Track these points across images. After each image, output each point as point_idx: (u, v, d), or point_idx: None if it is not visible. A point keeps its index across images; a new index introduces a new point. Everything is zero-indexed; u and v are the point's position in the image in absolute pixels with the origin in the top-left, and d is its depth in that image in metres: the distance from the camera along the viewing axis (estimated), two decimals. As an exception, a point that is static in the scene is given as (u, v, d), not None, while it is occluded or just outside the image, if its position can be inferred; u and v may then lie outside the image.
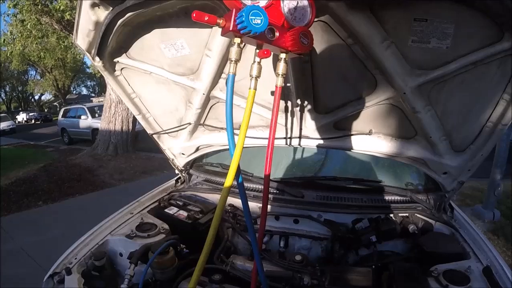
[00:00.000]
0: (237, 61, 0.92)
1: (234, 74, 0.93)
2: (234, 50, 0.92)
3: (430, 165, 1.73)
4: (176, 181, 2.47)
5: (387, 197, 1.96)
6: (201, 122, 1.89)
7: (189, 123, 1.88)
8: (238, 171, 0.90)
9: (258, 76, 0.95)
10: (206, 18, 0.88)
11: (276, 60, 1.06)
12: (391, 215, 1.84)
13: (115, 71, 1.68)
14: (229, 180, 0.86)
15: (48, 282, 1.49)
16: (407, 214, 1.85)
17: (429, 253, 1.55)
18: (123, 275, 1.42)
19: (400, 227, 1.77)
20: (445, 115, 1.49)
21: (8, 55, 12.62)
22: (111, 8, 1.24)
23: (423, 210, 1.88)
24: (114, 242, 1.71)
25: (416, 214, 1.85)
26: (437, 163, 1.70)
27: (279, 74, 1.00)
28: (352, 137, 1.70)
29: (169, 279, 1.51)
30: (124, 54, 1.59)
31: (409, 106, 1.45)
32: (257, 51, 0.95)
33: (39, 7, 8.57)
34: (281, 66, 1.00)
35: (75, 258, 1.60)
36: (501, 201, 5.27)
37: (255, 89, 0.94)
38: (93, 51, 1.48)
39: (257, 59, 0.95)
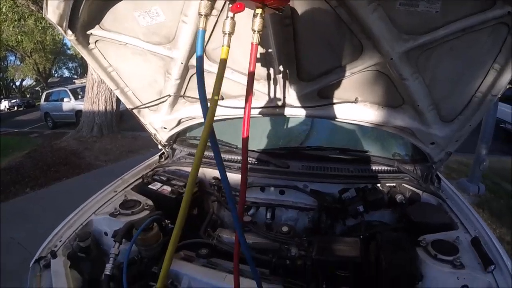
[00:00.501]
0: (207, 15, 0.86)
1: (205, 30, 0.86)
2: (203, 4, 0.86)
3: (417, 135, 1.71)
4: (160, 156, 2.43)
5: (374, 167, 1.95)
6: (181, 93, 1.83)
7: (169, 95, 1.81)
8: (213, 136, 0.85)
9: (231, 33, 0.89)
10: None
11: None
12: (378, 185, 1.83)
13: (89, 44, 1.61)
14: (202, 142, 0.80)
15: (34, 267, 1.47)
16: (394, 184, 1.84)
17: (416, 223, 1.54)
18: (109, 254, 1.39)
19: (388, 197, 1.77)
20: (433, 83, 1.46)
21: (-16, 42, 12.10)
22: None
23: (410, 180, 1.87)
24: (98, 222, 1.68)
25: (403, 184, 1.84)
26: (425, 133, 1.68)
27: (255, 31, 0.94)
28: (338, 105, 1.65)
29: (155, 255, 1.50)
30: (97, 25, 1.52)
31: (396, 72, 1.41)
32: (230, 6, 0.88)
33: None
34: (257, 23, 0.93)
35: (60, 241, 1.58)
36: (486, 176, 5.39)
37: (229, 46, 0.88)
38: (64, 24, 1.40)
39: (230, 14, 0.88)
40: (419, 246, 1.34)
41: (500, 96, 1.48)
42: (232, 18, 0.89)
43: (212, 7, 0.88)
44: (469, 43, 1.27)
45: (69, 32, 1.45)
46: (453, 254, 1.27)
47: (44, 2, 1.31)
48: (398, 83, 1.48)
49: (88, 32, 1.53)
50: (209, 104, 0.85)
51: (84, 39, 1.56)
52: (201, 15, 0.86)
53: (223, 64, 0.86)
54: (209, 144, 0.85)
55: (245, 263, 1.26)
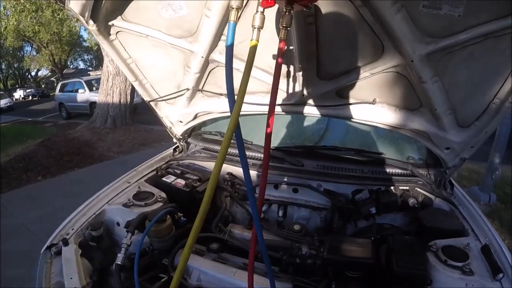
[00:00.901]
0: (239, 8, 0.86)
1: (236, 23, 0.86)
2: None
3: (433, 139, 1.69)
4: (174, 150, 2.45)
5: (387, 170, 1.94)
6: (200, 87, 1.83)
7: (187, 89, 1.82)
8: (238, 128, 0.84)
9: (260, 27, 0.89)
10: None
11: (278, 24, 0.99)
12: (392, 187, 1.82)
13: (110, 35, 1.61)
14: (227, 137, 0.79)
15: (45, 254, 1.48)
16: (407, 188, 1.83)
17: (428, 228, 1.54)
18: (121, 244, 1.41)
19: (400, 200, 1.76)
20: (452, 87, 1.44)
21: (2, 31, 12.30)
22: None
23: (424, 185, 1.86)
24: (111, 212, 1.70)
25: (416, 188, 1.83)
26: (441, 138, 1.66)
27: (283, 27, 0.94)
28: (355, 105, 1.64)
29: (166, 248, 1.51)
30: (119, 16, 1.53)
31: (416, 75, 1.40)
32: (260, 0, 0.88)
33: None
34: (286, 19, 0.94)
35: (72, 229, 1.59)
36: (498, 186, 5.27)
37: (258, 40, 0.88)
38: (86, 14, 1.41)
39: (260, 9, 0.88)
40: (430, 251, 1.34)
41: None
42: (262, 12, 0.89)
43: (243, 1, 0.88)
44: (489, 48, 1.26)
45: (91, 22, 1.45)
46: (463, 260, 1.27)
47: None
48: (417, 86, 1.47)
49: (110, 23, 1.53)
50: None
51: (105, 30, 1.56)
52: (232, 8, 0.86)
53: (252, 52, 0.86)
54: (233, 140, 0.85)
55: (257, 259, 1.27)
